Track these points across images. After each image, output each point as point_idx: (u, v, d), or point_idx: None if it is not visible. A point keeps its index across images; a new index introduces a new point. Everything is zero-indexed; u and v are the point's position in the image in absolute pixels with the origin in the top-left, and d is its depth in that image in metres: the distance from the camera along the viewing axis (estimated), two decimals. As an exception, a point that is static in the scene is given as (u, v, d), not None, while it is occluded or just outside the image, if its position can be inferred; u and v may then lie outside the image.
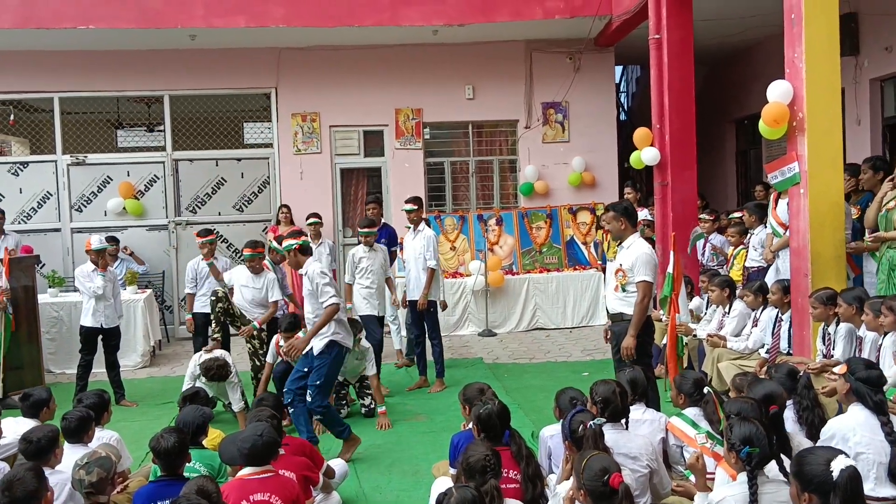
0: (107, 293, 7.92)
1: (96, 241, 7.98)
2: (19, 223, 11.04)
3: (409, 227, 8.39)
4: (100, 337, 8.01)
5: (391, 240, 9.29)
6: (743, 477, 3.40)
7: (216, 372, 6.85)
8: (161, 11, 10.02)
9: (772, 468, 3.50)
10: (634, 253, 5.82)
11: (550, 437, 4.69)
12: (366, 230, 8.01)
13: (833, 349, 5.63)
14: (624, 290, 5.88)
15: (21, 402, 5.23)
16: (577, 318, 11.02)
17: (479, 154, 12.18)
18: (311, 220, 9.62)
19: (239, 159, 11.71)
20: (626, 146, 12.02)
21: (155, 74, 11.24)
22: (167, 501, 3.87)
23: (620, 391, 4.50)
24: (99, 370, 8.11)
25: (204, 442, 4.76)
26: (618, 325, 5.94)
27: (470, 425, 4.42)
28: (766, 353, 6.49)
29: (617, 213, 5.97)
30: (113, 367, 8.07)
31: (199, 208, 11.55)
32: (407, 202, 8.26)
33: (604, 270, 11.06)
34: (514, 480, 4.02)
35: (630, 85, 17.91)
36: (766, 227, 7.79)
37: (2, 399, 7.61)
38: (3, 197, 11.07)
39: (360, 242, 8.15)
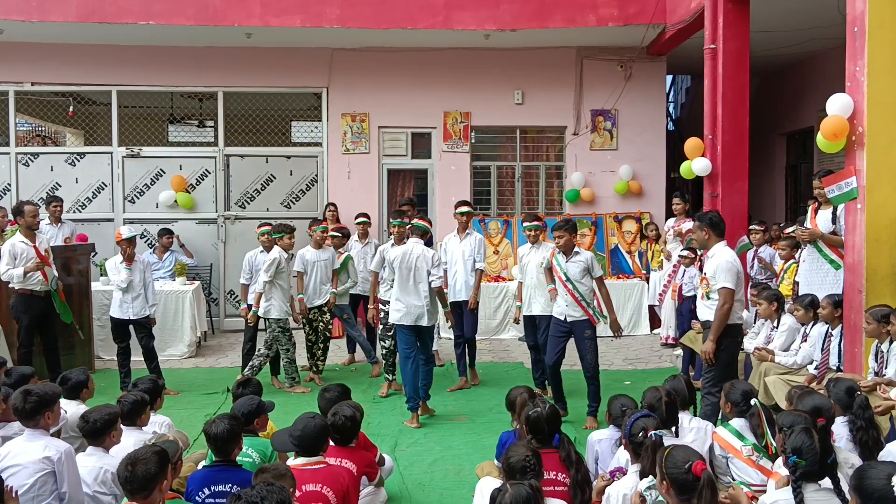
0: (134, 285, 7.88)
1: (126, 230, 8.03)
2: (74, 212, 11.29)
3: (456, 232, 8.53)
4: (130, 326, 8.02)
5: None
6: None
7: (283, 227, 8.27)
8: (220, 9, 10.21)
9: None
10: (716, 261, 6.01)
11: (598, 442, 4.73)
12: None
13: (885, 367, 5.55)
14: (709, 298, 6.06)
15: (60, 384, 5.28)
16: (620, 327, 10.92)
17: (525, 159, 12.19)
18: (360, 219, 9.67)
19: (288, 157, 11.86)
20: (672, 156, 11.96)
21: (210, 71, 11.44)
22: (220, 486, 3.98)
23: (668, 400, 4.51)
24: (140, 358, 8.14)
25: (260, 434, 4.85)
26: (707, 331, 6.07)
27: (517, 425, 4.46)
28: (814, 368, 6.40)
29: (702, 223, 6.18)
30: (151, 357, 8.06)
31: (248, 203, 11.71)
32: (463, 204, 8.55)
33: (647, 280, 11.02)
34: (562, 484, 4.04)
35: (679, 95, 17.76)
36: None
37: (53, 380, 7.77)
38: (60, 186, 11.35)
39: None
